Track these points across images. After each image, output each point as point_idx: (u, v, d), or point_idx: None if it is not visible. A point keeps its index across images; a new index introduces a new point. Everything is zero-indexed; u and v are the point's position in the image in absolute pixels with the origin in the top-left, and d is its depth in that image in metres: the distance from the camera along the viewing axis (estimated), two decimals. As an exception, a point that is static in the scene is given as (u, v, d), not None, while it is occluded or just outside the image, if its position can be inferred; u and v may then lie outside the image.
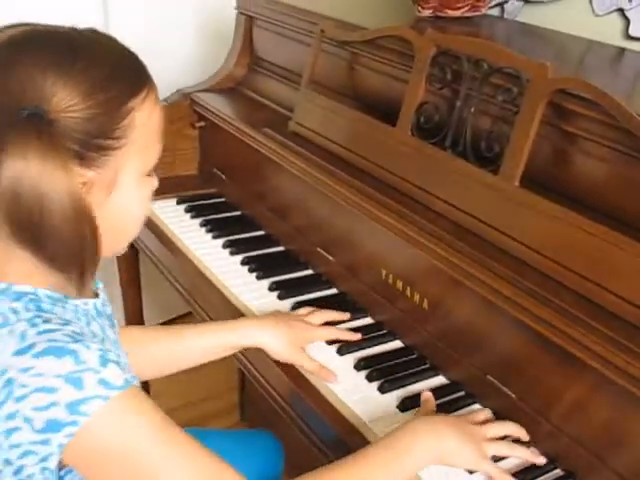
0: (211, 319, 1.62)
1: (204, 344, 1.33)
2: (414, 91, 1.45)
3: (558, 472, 1.15)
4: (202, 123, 2.06)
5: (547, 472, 1.15)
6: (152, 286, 2.39)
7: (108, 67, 0.89)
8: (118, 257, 2.12)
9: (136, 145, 0.91)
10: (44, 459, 0.83)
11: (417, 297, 1.38)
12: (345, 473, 0.98)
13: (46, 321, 0.87)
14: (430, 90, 1.45)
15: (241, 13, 2.10)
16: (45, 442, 0.82)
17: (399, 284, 1.42)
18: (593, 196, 1.23)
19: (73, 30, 0.91)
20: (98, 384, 0.82)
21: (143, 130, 0.92)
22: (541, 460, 1.14)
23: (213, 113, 1.97)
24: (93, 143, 0.87)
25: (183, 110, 2.07)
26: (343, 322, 1.46)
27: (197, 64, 2.48)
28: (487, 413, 1.22)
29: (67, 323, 0.87)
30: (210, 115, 1.99)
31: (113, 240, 0.97)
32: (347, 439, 1.19)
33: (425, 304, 1.36)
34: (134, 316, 2.26)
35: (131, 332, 1.31)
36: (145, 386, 2.30)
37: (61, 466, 0.86)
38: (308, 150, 1.63)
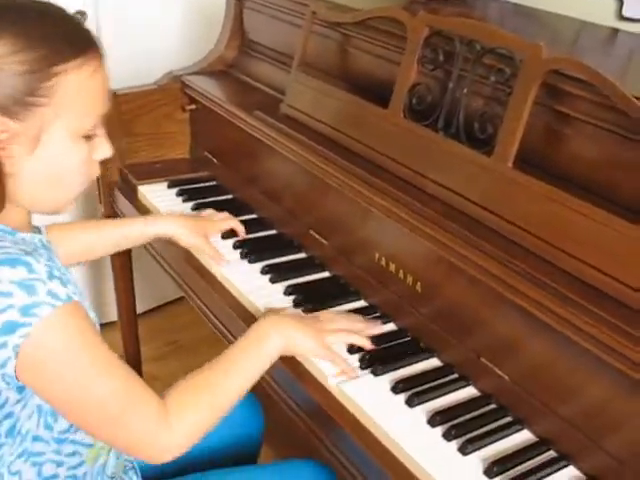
0: (204, 304, 1.62)
1: (118, 235, 1.54)
2: (406, 72, 1.44)
3: (552, 454, 1.15)
4: (193, 106, 2.05)
5: (541, 453, 1.15)
6: (144, 273, 2.38)
7: (42, 28, 0.94)
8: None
9: (66, 108, 0.96)
10: (3, 365, 0.91)
11: (410, 279, 1.38)
12: (211, 372, 1.13)
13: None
14: (422, 72, 1.44)
15: (232, -5, 2.09)
16: (3, 345, 0.90)
17: (392, 267, 1.42)
18: (586, 177, 1.23)
19: None
20: (47, 294, 0.91)
21: (75, 94, 0.96)
22: (377, 330, 1.37)
23: (204, 96, 1.96)
24: (18, 97, 0.92)
25: (174, 93, 2.06)
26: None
27: (188, 47, 2.46)
28: (333, 317, 1.36)
29: (17, 242, 0.97)
30: (201, 98, 1.97)
31: (47, 194, 1.03)
32: (328, 409, 1.22)
33: (418, 286, 1.36)
34: (126, 300, 2.25)
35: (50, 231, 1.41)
36: (138, 369, 2.30)
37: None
38: (300, 132, 1.62)
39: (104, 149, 1.06)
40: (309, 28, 1.68)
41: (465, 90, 1.35)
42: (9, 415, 0.99)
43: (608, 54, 1.63)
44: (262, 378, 1.21)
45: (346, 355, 1.32)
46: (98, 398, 0.97)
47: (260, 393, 1.33)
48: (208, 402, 1.08)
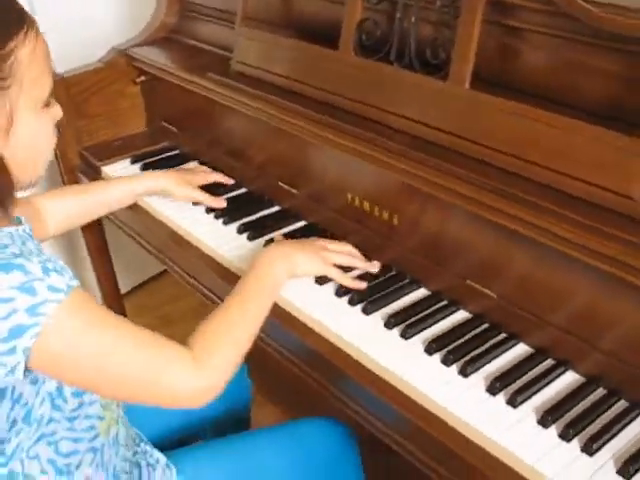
0: (187, 274, 1.62)
1: (109, 197, 1.59)
2: (351, 10, 1.43)
3: (550, 362, 1.17)
4: (143, 78, 2.02)
5: (540, 363, 1.17)
6: (121, 253, 2.37)
7: None
8: (82, 228, 2.10)
9: (25, 80, 0.96)
10: (12, 371, 0.91)
11: (386, 215, 1.38)
12: (227, 310, 1.17)
13: None
14: (367, 7, 1.43)
15: (162, -41, 2.05)
16: (12, 351, 0.89)
17: (366, 205, 1.42)
18: (544, 86, 1.23)
19: None
20: (48, 290, 0.91)
21: (29, 65, 0.97)
22: (375, 268, 1.40)
23: (153, 66, 1.93)
24: None
25: (121, 68, 2.02)
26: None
27: (128, 19, 2.41)
28: (333, 245, 1.40)
29: (6, 247, 0.94)
30: (150, 68, 1.95)
31: (28, 169, 1.04)
32: (330, 357, 1.23)
33: (395, 220, 1.37)
34: (107, 283, 2.25)
35: (41, 203, 1.48)
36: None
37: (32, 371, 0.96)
38: (255, 87, 1.61)
39: (58, 111, 1.08)
40: (247, -20, 1.65)
41: (413, 19, 1.34)
42: (24, 404, 1.00)
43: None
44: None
45: (334, 298, 1.33)
46: (126, 368, 0.98)
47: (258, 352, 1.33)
48: (230, 339, 1.11)
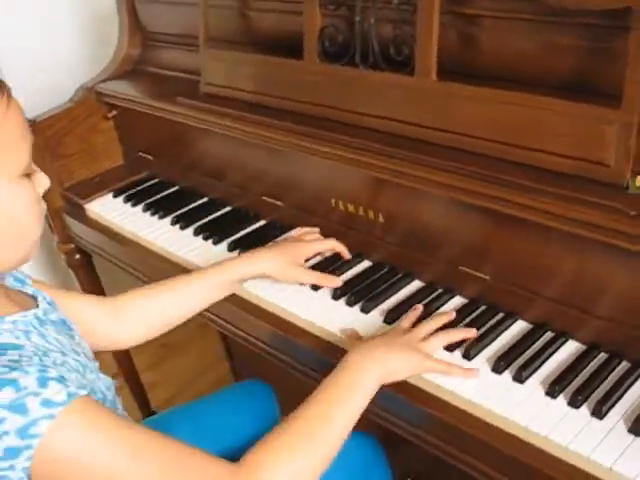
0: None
1: (207, 285, 1.37)
2: (311, 19, 1.45)
3: (549, 334, 1.20)
4: (114, 112, 2.04)
5: (540, 337, 1.20)
6: (114, 286, 2.37)
7: None
8: (74, 269, 2.11)
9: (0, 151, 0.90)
10: None
11: (371, 214, 1.41)
12: (310, 414, 1.02)
13: None
14: (326, 14, 1.45)
15: (119, -8, 2.07)
16: (11, 468, 0.84)
17: (351, 207, 1.44)
18: (509, 68, 1.26)
19: None
20: (41, 406, 0.84)
21: (3, 135, 0.91)
22: (473, 332, 1.20)
23: (122, 99, 1.94)
24: None
25: (91, 105, 2.03)
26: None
27: (91, 57, 2.43)
28: (410, 319, 1.24)
29: (4, 351, 0.89)
30: (119, 101, 1.96)
31: (10, 248, 0.97)
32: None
33: (381, 218, 1.39)
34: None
35: (124, 300, 1.34)
36: (136, 380, 2.31)
37: None
38: (226, 106, 1.63)
39: (43, 180, 1.01)
40: (206, 3, 1.67)
41: (372, 19, 1.36)
42: None
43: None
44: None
45: (328, 301, 1.36)
46: None
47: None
48: (303, 450, 0.98)
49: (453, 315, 1.24)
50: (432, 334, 1.19)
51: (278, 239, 1.55)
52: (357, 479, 1.32)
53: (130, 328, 1.32)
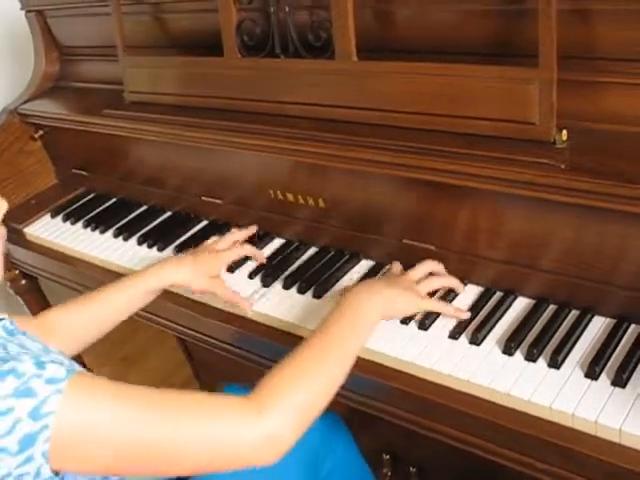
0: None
1: (125, 299, 1.35)
2: (226, 15, 1.45)
3: (499, 295, 1.23)
4: (41, 132, 2.01)
5: (490, 299, 1.23)
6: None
7: None
8: (21, 295, 2.08)
9: None
10: (37, 474, 0.85)
11: (311, 200, 1.42)
12: (318, 346, 1.04)
13: None
14: (241, 8, 1.45)
15: (29, 11, 2.03)
16: (29, 459, 0.84)
17: (290, 196, 1.45)
18: (429, 40, 1.27)
19: None
20: (46, 384, 0.85)
21: None
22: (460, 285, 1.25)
23: (47, 117, 1.92)
24: None
25: (16, 127, 2.01)
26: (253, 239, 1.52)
27: (8, 78, 2.39)
28: (397, 265, 1.31)
29: None
30: (45, 121, 1.94)
31: None
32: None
33: (321, 203, 1.40)
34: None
35: (48, 317, 1.33)
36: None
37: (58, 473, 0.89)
38: (153, 112, 1.62)
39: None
40: (118, 11, 1.66)
41: (287, 9, 1.37)
42: None
43: None
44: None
45: (247, 280, 1.40)
46: (165, 438, 0.90)
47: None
48: (302, 383, 0.98)
49: (439, 265, 1.27)
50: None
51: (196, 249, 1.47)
52: (317, 456, 1.33)
53: (62, 342, 1.28)
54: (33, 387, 0.84)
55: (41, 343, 1.05)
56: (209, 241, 1.49)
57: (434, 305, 1.21)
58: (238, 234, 1.48)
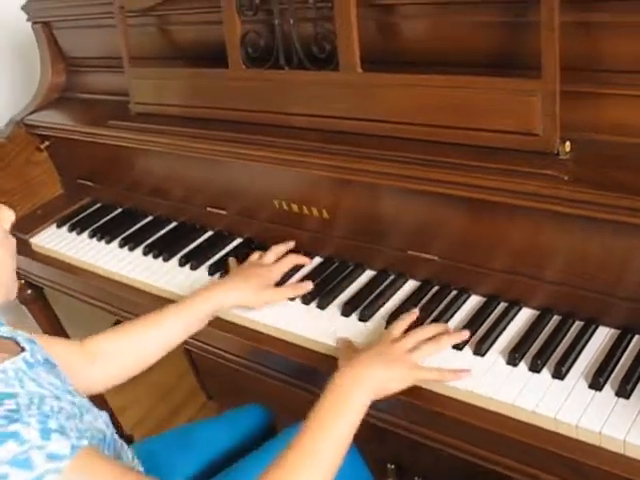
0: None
1: (181, 323, 1.33)
2: (231, 27, 1.46)
3: (503, 305, 1.23)
4: (47, 143, 2.02)
5: (494, 310, 1.23)
6: (70, 313, 2.36)
7: None
8: (27, 305, 2.09)
9: None
10: None
11: (315, 211, 1.42)
12: (308, 437, 1.01)
13: None
14: (245, 20, 1.46)
15: (35, 22, 2.04)
16: None
17: (294, 207, 1.46)
18: (432, 52, 1.28)
19: None
20: (47, 459, 0.81)
21: None
22: (465, 334, 1.17)
23: (53, 128, 1.93)
24: None
25: (22, 138, 2.02)
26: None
27: (16, 89, 2.40)
28: (401, 326, 1.20)
29: (0, 400, 0.86)
30: (51, 132, 1.95)
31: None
32: (311, 363, 1.26)
33: (325, 214, 1.41)
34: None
35: (95, 342, 1.29)
36: (105, 406, 2.29)
37: None
38: (159, 123, 1.63)
39: (7, 215, 1.03)
40: (124, 23, 1.67)
41: (291, 21, 1.38)
42: None
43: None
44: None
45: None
46: None
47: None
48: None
49: (445, 327, 1.21)
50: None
51: (241, 266, 1.47)
52: None
53: (106, 371, 1.28)
54: (32, 459, 0.80)
55: (60, 378, 1.03)
56: (253, 257, 1.48)
57: (428, 375, 1.12)
58: (279, 248, 1.49)
